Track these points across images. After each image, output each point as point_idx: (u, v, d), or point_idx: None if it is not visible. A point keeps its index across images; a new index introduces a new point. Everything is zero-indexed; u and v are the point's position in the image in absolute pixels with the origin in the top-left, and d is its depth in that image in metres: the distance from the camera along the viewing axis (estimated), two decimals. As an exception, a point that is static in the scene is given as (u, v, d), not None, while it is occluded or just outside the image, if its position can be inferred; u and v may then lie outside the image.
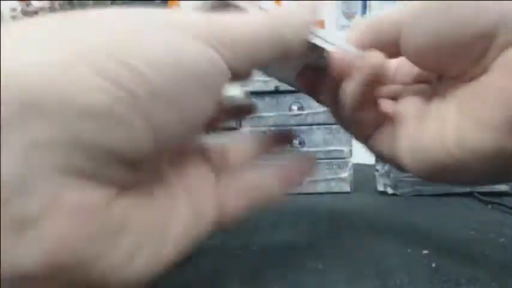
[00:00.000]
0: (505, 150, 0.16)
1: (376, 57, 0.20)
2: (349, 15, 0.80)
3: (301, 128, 0.47)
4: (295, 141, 0.47)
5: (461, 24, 0.17)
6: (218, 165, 0.20)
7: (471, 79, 0.18)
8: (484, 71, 0.18)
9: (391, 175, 0.44)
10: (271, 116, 0.47)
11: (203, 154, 0.20)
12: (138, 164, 0.14)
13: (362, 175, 0.53)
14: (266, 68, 0.25)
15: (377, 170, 0.45)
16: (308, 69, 0.24)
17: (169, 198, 0.16)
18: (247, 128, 0.47)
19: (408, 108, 0.21)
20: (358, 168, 0.51)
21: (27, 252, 0.11)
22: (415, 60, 0.20)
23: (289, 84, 0.27)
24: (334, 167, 0.46)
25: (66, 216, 0.12)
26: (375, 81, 0.20)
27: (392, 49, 0.20)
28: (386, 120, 0.22)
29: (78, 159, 0.12)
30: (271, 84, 0.47)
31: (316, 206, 0.40)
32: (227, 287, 0.19)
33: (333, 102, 0.23)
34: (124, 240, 0.13)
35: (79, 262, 0.12)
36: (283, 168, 0.22)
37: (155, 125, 0.13)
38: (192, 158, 0.19)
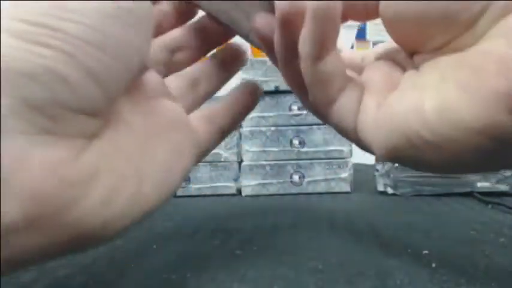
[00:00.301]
0: (499, 124, 0.14)
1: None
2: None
3: (301, 128, 0.47)
4: (296, 141, 0.47)
5: None
6: (187, 99, 0.22)
7: (454, 50, 0.16)
8: (473, 40, 0.16)
9: (391, 175, 0.44)
10: (271, 116, 0.47)
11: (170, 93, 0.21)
12: (95, 113, 0.14)
13: (362, 175, 0.53)
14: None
15: (377, 170, 0.45)
16: (267, 18, 0.21)
17: (141, 141, 0.17)
18: (247, 128, 0.47)
19: (375, 75, 0.19)
20: (358, 168, 0.51)
21: (5, 208, 0.12)
22: (393, 27, 0.18)
23: (243, 37, 0.23)
24: (334, 167, 0.46)
25: (36, 171, 0.13)
26: (336, 19, 0.17)
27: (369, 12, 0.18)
28: (350, 84, 0.19)
29: (35, 120, 0.13)
30: (272, 84, 0.47)
31: (316, 206, 0.40)
32: (227, 286, 0.19)
33: (288, 59, 0.20)
34: (98, 185, 0.14)
35: (55, 210, 0.13)
36: (231, 98, 0.23)
37: (94, 74, 0.14)
38: (160, 99, 0.19)
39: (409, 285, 0.19)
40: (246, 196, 0.46)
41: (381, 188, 0.44)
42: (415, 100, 0.16)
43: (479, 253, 0.24)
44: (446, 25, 0.16)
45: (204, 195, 0.47)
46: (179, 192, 0.47)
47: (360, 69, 0.22)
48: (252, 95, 0.25)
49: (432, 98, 0.15)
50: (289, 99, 0.47)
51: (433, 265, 0.21)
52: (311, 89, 0.20)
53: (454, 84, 0.15)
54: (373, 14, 0.18)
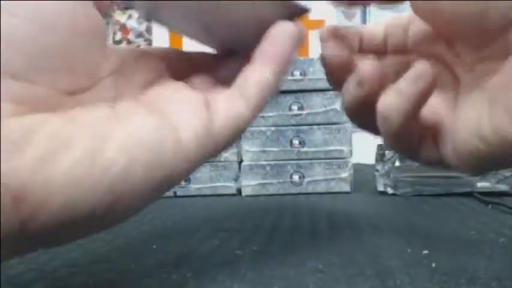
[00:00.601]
0: None
1: (424, 75, 0.18)
2: (349, 15, 0.80)
3: (301, 128, 0.47)
4: (296, 141, 0.47)
5: None
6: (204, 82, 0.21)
7: (489, 57, 0.18)
8: (506, 50, 0.17)
9: (391, 175, 0.44)
10: (271, 116, 0.47)
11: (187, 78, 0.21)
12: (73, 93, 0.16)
13: (362, 175, 0.53)
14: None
15: (377, 170, 0.45)
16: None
17: (119, 111, 0.17)
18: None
19: (441, 109, 0.21)
20: (358, 168, 0.51)
21: None
22: (427, 16, 0.19)
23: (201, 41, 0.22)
24: (334, 167, 0.46)
25: None
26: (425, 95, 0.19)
27: None
28: (427, 129, 0.21)
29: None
30: None
31: (316, 206, 0.40)
32: (227, 286, 0.19)
33: (366, 118, 0.22)
34: (34, 144, 0.14)
35: None
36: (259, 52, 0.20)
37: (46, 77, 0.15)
38: (175, 88, 0.20)
39: (409, 285, 0.19)
40: (246, 196, 0.46)
41: (380, 188, 0.44)
42: (474, 124, 0.18)
43: (479, 253, 0.24)
44: (481, 28, 0.17)
45: (204, 195, 0.47)
46: (179, 192, 0.47)
47: (382, 47, 0.23)
48: None
49: (486, 119, 0.17)
50: (289, 99, 0.47)
51: (433, 265, 0.21)
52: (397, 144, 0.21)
53: (503, 108, 0.17)
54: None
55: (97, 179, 0.15)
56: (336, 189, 0.46)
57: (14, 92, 0.14)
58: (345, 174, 0.46)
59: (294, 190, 0.47)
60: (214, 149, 0.18)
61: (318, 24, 0.81)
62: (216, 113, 0.18)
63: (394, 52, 0.23)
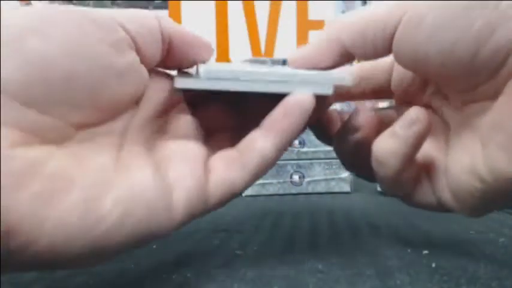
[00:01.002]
0: None
1: (420, 119, 0.19)
2: (349, 15, 0.80)
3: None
4: (295, 141, 0.47)
5: (477, 35, 0.16)
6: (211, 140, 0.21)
7: (477, 99, 0.18)
8: (495, 91, 0.17)
9: (391, 175, 0.44)
10: (271, 116, 0.47)
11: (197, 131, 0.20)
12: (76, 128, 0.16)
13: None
14: None
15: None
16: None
17: (119, 161, 0.17)
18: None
19: (432, 152, 0.21)
20: (358, 168, 0.51)
21: None
22: (412, 68, 0.19)
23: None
24: (334, 167, 0.46)
25: None
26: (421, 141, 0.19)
27: (376, 51, 0.19)
28: (421, 173, 0.21)
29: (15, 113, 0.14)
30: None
31: (316, 206, 0.40)
32: (227, 286, 0.19)
33: (358, 164, 0.22)
34: (34, 182, 0.14)
35: None
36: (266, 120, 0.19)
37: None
38: (182, 137, 0.19)
39: (409, 285, 0.19)
40: (246, 196, 0.46)
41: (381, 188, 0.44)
42: (470, 165, 0.18)
43: (479, 253, 0.24)
44: (469, 75, 0.17)
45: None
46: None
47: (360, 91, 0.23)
48: None
49: (481, 159, 0.17)
50: (289, 99, 0.47)
51: (433, 265, 0.21)
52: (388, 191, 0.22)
53: (497, 147, 0.17)
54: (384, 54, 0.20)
55: (89, 228, 0.14)
56: (336, 189, 0.46)
57: (25, 121, 0.14)
58: (345, 174, 0.46)
59: (294, 190, 0.47)
60: (202, 211, 0.18)
61: (318, 24, 0.81)
62: (212, 176, 0.18)
63: (373, 95, 0.23)
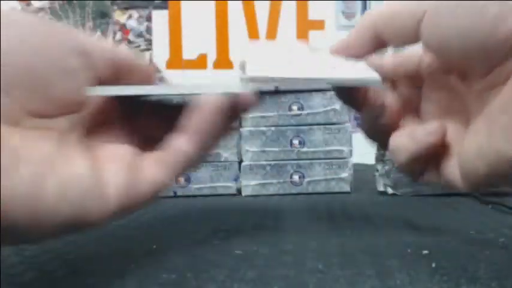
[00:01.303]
0: None
1: (437, 132, 0.22)
2: (349, 15, 0.80)
3: (301, 128, 0.47)
4: (296, 141, 0.47)
5: (492, 21, 0.18)
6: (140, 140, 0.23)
7: (493, 84, 0.19)
8: (506, 75, 0.18)
9: (391, 175, 0.44)
10: (271, 116, 0.47)
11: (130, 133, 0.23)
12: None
13: (362, 175, 0.53)
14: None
15: (377, 170, 0.45)
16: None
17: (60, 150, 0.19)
18: (247, 128, 0.47)
19: (451, 137, 0.22)
20: (358, 168, 0.51)
21: None
22: (437, 51, 0.21)
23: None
24: (334, 167, 0.46)
25: None
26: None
27: (406, 36, 0.21)
28: (435, 157, 0.23)
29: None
30: (271, 84, 0.47)
31: (316, 206, 0.40)
32: (227, 286, 0.19)
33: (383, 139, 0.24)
34: (24, 169, 0.16)
35: None
36: (188, 128, 0.21)
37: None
38: (113, 136, 0.22)
39: (409, 285, 0.19)
40: (246, 196, 0.46)
41: (380, 188, 0.44)
42: (476, 149, 0.19)
43: (479, 253, 0.24)
44: (485, 57, 0.19)
45: (204, 195, 0.47)
46: (179, 192, 0.47)
47: (417, 72, 0.24)
48: None
49: (487, 146, 0.19)
50: (289, 99, 0.47)
51: (433, 265, 0.21)
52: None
53: (499, 130, 0.18)
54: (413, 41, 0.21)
55: (33, 202, 0.17)
56: (336, 189, 0.46)
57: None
58: (345, 174, 0.46)
59: (294, 190, 0.47)
60: (134, 205, 0.20)
61: (318, 24, 0.81)
62: (141, 175, 0.20)
63: (406, 81, 0.25)
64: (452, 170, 0.21)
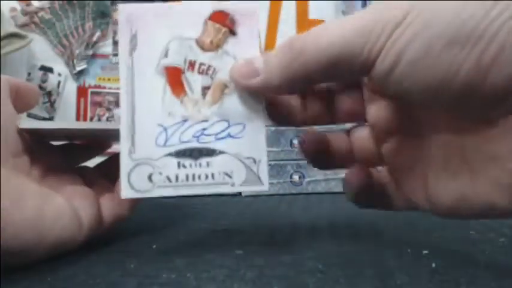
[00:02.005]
0: None
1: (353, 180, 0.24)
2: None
3: (301, 128, 0.47)
4: (296, 141, 0.47)
5: (467, 80, 0.16)
6: (99, 184, 0.28)
7: (471, 127, 0.18)
8: (489, 121, 0.17)
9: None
10: (271, 116, 0.47)
11: (86, 178, 0.28)
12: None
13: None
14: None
15: (377, 170, 0.45)
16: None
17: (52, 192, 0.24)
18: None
19: (408, 165, 0.21)
20: (358, 168, 0.51)
21: None
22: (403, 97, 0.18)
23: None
24: (334, 167, 0.46)
25: None
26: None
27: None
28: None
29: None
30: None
31: (316, 206, 0.40)
32: (227, 286, 0.19)
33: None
34: (28, 202, 0.21)
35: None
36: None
37: None
38: (73, 180, 0.27)
39: (409, 285, 0.19)
40: (246, 196, 0.46)
41: (381, 188, 0.44)
42: (458, 195, 0.19)
43: (479, 253, 0.24)
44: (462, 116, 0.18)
45: (204, 195, 0.47)
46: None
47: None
48: None
49: (473, 194, 0.18)
50: (289, 99, 0.47)
51: (433, 265, 0.21)
52: None
53: (488, 181, 0.17)
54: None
55: (38, 229, 0.22)
56: (336, 189, 0.46)
57: None
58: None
59: (294, 190, 0.47)
60: (100, 231, 0.25)
61: (318, 24, 0.81)
62: (104, 210, 0.26)
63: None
64: (417, 198, 0.21)
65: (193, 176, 0.22)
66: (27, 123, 0.24)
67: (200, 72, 0.23)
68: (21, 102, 0.26)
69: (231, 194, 0.47)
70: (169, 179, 0.22)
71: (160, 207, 0.39)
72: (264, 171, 0.23)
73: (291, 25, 0.79)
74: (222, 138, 0.23)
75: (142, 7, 0.23)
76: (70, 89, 0.76)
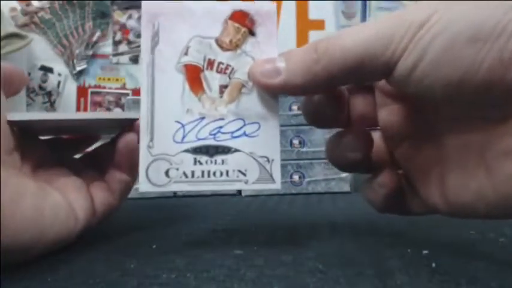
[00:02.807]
0: None
1: (387, 183, 0.23)
2: (349, 15, 0.80)
3: (301, 128, 0.47)
4: (296, 141, 0.47)
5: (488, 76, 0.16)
6: (88, 174, 0.28)
7: (486, 125, 0.18)
8: (504, 116, 0.17)
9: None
10: (271, 116, 0.47)
11: (75, 170, 0.28)
12: None
13: (362, 175, 0.53)
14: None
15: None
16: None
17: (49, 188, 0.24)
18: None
19: (424, 166, 0.22)
20: (358, 168, 0.51)
21: None
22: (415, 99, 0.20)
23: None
24: (334, 167, 0.46)
25: None
26: None
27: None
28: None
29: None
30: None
31: (316, 206, 0.40)
32: (227, 286, 0.19)
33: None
34: (27, 200, 0.21)
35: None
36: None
37: None
38: (64, 173, 0.27)
39: (409, 285, 0.19)
40: (246, 196, 0.46)
41: (380, 188, 0.44)
42: (475, 191, 0.19)
43: (479, 253, 0.24)
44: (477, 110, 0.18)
45: (204, 195, 0.47)
46: (179, 192, 0.47)
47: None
48: None
49: (491, 191, 0.18)
50: (289, 99, 0.47)
51: (433, 265, 0.21)
52: None
53: (505, 176, 0.18)
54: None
55: (39, 224, 0.22)
56: (336, 189, 0.46)
57: None
58: (344, 174, 0.46)
59: (294, 190, 0.47)
60: (93, 223, 0.26)
61: (318, 24, 0.81)
62: (96, 201, 0.26)
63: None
64: (433, 199, 0.21)
65: (209, 172, 0.23)
66: (17, 115, 0.23)
67: (218, 71, 0.23)
68: (9, 88, 0.24)
69: (231, 194, 0.47)
70: (185, 174, 0.22)
71: (160, 207, 0.39)
72: (277, 170, 0.23)
73: (291, 25, 0.79)
74: (238, 136, 0.23)
75: (165, 5, 0.23)
76: (70, 89, 0.76)
